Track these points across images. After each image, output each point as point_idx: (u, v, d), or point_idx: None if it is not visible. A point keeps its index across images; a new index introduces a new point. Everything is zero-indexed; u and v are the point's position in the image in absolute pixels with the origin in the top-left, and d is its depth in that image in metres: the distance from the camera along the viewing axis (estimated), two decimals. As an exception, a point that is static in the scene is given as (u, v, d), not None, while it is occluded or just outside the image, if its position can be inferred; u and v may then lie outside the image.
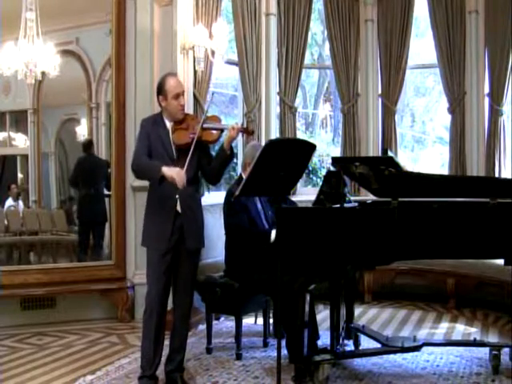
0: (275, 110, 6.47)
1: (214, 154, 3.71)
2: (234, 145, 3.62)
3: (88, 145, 5.51)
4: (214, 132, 3.53)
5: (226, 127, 3.54)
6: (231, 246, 4.32)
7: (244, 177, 4.24)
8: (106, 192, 5.47)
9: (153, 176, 3.44)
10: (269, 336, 4.56)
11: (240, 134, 3.71)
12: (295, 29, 6.43)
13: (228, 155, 3.55)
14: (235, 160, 6.00)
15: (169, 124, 3.56)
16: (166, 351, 3.67)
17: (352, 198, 4.38)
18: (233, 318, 4.38)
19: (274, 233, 4.10)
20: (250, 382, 3.76)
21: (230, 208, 4.24)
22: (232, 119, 8.47)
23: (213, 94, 3.98)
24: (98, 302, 5.24)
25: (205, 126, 3.50)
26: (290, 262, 3.48)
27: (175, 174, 3.33)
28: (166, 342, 3.66)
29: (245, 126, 3.58)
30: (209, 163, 3.61)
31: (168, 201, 3.49)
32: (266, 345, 4.50)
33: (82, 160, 5.55)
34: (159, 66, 5.21)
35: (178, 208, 3.50)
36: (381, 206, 3.81)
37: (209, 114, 3.62)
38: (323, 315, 5.11)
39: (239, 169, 4.84)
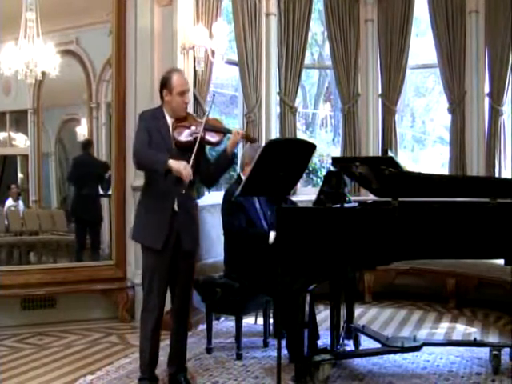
0: (275, 109, 6.47)
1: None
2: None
3: (86, 144, 5.52)
4: (217, 135, 3.51)
5: (230, 131, 3.53)
6: (229, 246, 4.32)
7: (242, 177, 4.24)
8: (101, 192, 5.49)
9: (158, 168, 3.29)
10: (269, 336, 4.56)
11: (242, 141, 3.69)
12: (295, 29, 6.43)
13: (230, 160, 3.55)
14: (235, 160, 5.99)
15: (169, 120, 3.49)
16: (166, 350, 3.67)
17: (352, 198, 4.38)
18: (233, 318, 4.38)
19: (272, 234, 4.10)
20: (250, 382, 3.76)
21: (228, 208, 4.24)
22: (232, 119, 8.47)
23: (214, 95, 3.94)
24: (98, 302, 5.25)
25: (207, 127, 3.46)
26: (290, 261, 3.48)
27: (182, 167, 3.24)
28: (167, 342, 3.66)
29: (247, 133, 3.56)
30: (206, 165, 3.56)
31: (165, 199, 3.43)
32: (266, 345, 4.50)
33: (79, 159, 5.56)
34: (159, 66, 5.21)
35: (176, 207, 3.44)
36: (381, 206, 3.81)
37: (211, 117, 3.58)
38: (323, 315, 5.11)
39: (239, 169, 4.84)
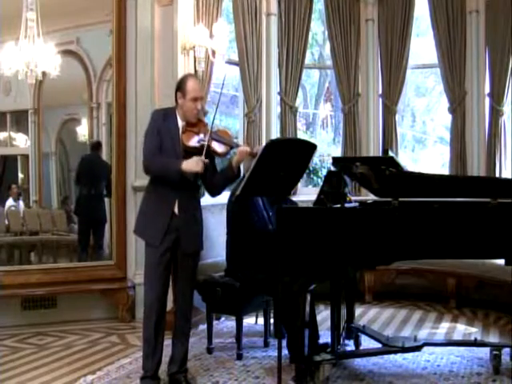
0: (276, 109, 6.47)
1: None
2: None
3: (96, 146, 5.51)
4: (223, 146, 3.54)
5: (235, 146, 3.56)
6: (236, 244, 4.26)
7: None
8: (105, 193, 5.49)
9: (172, 178, 3.42)
10: (269, 336, 4.56)
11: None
12: (296, 29, 6.43)
13: (235, 174, 3.59)
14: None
15: (180, 122, 3.55)
16: (167, 350, 3.67)
17: (353, 198, 4.37)
18: (233, 318, 4.38)
19: None
20: (250, 382, 3.76)
21: (241, 206, 4.17)
22: (233, 119, 8.46)
23: (221, 93, 3.76)
24: (98, 302, 5.25)
25: (215, 137, 3.51)
26: (290, 261, 3.48)
27: (195, 164, 3.34)
28: (168, 342, 3.66)
29: (254, 150, 3.55)
30: (213, 174, 3.62)
31: (167, 201, 3.50)
32: (266, 345, 4.50)
33: (86, 159, 5.56)
34: (160, 66, 5.22)
35: (176, 209, 3.50)
36: (381, 206, 3.81)
37: (221, 128, 3.61)
38: (324, 315, 5.11)
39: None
